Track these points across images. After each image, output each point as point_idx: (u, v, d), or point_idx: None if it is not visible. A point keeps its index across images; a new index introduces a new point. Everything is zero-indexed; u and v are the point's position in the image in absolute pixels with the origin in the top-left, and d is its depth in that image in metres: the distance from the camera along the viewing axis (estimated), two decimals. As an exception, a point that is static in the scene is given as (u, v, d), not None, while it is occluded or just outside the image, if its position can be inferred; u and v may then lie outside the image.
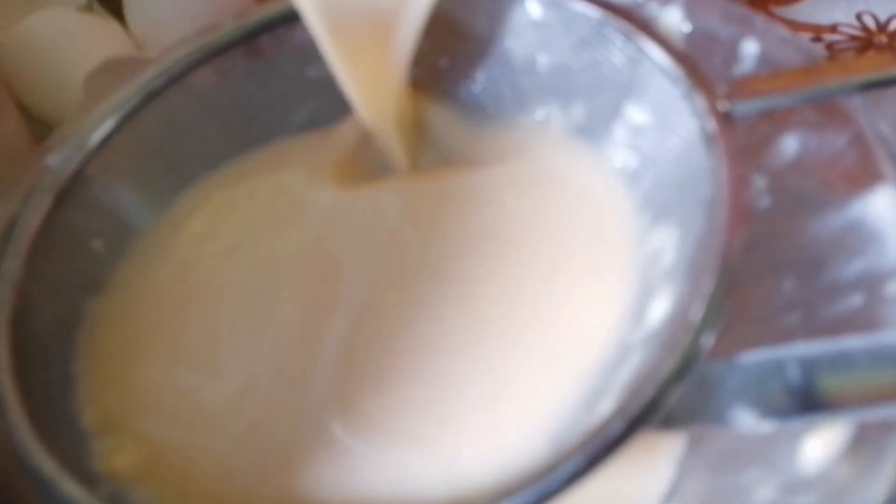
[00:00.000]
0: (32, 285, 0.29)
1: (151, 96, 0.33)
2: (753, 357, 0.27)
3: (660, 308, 0.28)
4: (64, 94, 0.42)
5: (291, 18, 0.34)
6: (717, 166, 0.27)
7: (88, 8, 0.49)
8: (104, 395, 0.29)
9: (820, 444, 0.29)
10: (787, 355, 0.26)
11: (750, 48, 0.35)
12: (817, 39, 0.48)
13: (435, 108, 0.36)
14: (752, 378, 0.27)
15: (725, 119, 0.29)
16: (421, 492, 0.27)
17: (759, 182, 0.35)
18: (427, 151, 0.36)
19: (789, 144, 0.34)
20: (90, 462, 0.27)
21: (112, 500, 0.25)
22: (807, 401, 0.26)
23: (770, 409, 0.26)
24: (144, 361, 0.31)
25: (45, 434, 0.26)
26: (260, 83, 0.35)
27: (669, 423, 0.27)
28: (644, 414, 0.23)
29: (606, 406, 0.25)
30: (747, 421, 0.26)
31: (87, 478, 0.26)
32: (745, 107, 0.29)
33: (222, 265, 0.33)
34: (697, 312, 0.25)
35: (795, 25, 0.48)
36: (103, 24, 0.47)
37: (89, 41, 0.45)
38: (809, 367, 0.26)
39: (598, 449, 0.23)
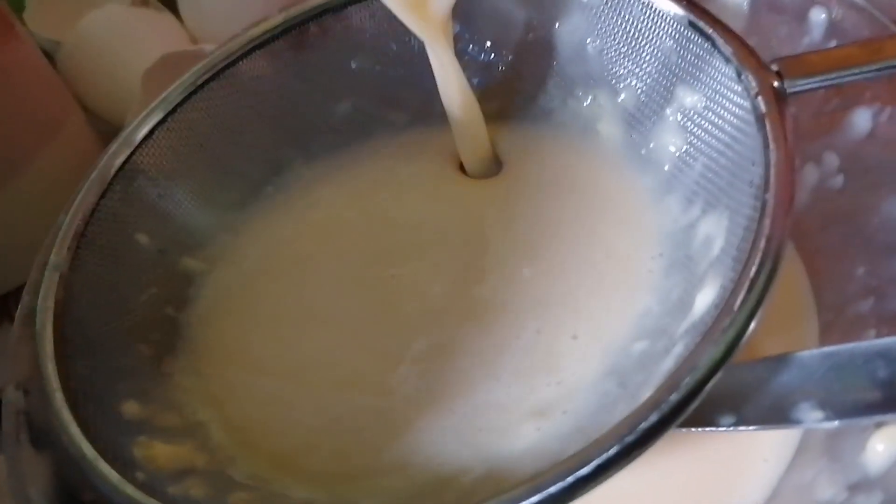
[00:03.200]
0: (77, 275, 0.29)
1: (197, 90, 0.33)
2: (827, 351, 0.26)
3: (705, 297, 0.26)
4: (123, 90, 0.43)
5: (338, 8, 0.34)
6: (767, 147, 0.26)
7: (144, 2, 0.49)
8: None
9: (887, 443, 0.27)
10: (869, 349, 0.25)
11: (818, 17, 0.33)
12: None
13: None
14: (825, 373, 0.26)
15: (778, 98, 0.27)
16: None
17: (831, 160, 0.33)
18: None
19: (862, 119, 0.33)
20: (130, 448, 0.27)
21: (149, 487, 0.25)
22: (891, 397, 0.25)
23: (842, 407, 0.25)
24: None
25: (87, 421, 0.26)
26: (304, 75, 0.35)
27: (730, 421, 0.27)
28: (681, 404, 0.22)
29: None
30: (816, 419, 0.25)
31: (127, 463, 0.26)
32: (799, 85, 0.28)
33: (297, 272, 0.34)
34: (742, 299, 0.23)
35: None
36: (159, 19, 0.48)
37: (145, 36, 0.45)
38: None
39: (633, 440, 0.22)
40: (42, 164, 0.39)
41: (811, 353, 0.26)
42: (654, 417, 0.22)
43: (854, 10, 0.32)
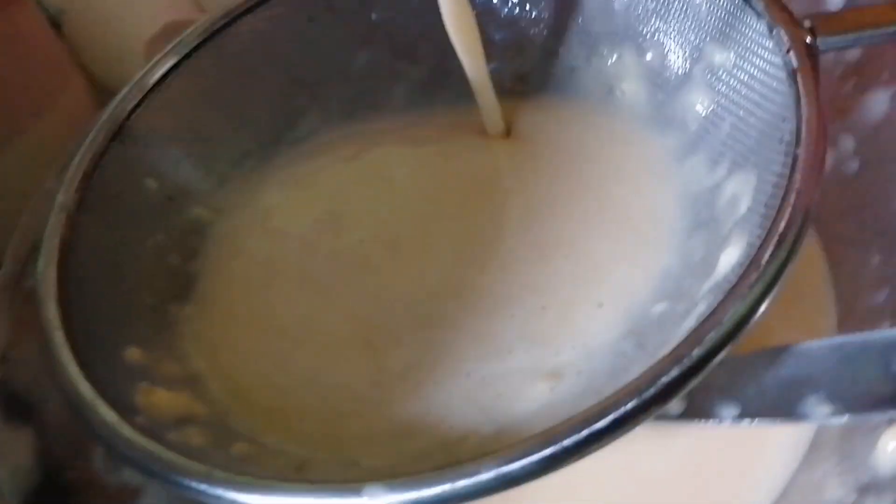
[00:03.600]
0: (84, 217, 0.29)
1: (212, 36, 0.33)
2: (837, 342, 0.25)
3: (730, 256, 0.25)
4: (127, 58, 0.42)
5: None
6: (799, 102, 0.25)
7: None
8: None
9: None
10: (882, 340, 0.24)
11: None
12: None
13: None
14: (835, 365, 0.25)
15: (810, 54, 0.26)
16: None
17: (847, 143, 0.32)
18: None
19: (879, 101, 0.32)
20: (131, 393, 0.26)
21: (148, 432, 0.25)
22: None
23: (853, 401, 0.24)
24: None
25: (85, 360, 0.25)
26: (323, 25, 0.34)
27: (734, 413, 0.26)
28: (703, 359, 0.21)
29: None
30: (824, 413, 0.24)
31: (126, 408, 0.25)
32: (831, 42, 0.27)
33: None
34: (771, 253, 0.22)
35: None
36: None
37: (151, 4, 0.45)
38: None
39: (653, 394, 0.21)
40: (41, 130, 0.38)
41: (820, 343, 0.25)
42: (674, 372, 0.21)
43: None
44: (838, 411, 0.24)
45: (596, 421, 0.21)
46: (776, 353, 0.25)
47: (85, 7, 0.44)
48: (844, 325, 0.30)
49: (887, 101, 0.31)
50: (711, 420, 0.26)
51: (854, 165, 0.31)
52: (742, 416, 0.26)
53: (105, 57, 0.44)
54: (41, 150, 0.38)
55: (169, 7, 0.44)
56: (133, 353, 0.28)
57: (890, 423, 0.26)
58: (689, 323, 0.25)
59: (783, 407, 0.25)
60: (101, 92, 0.44)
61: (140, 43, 0.41)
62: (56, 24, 0.45)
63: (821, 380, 0.24)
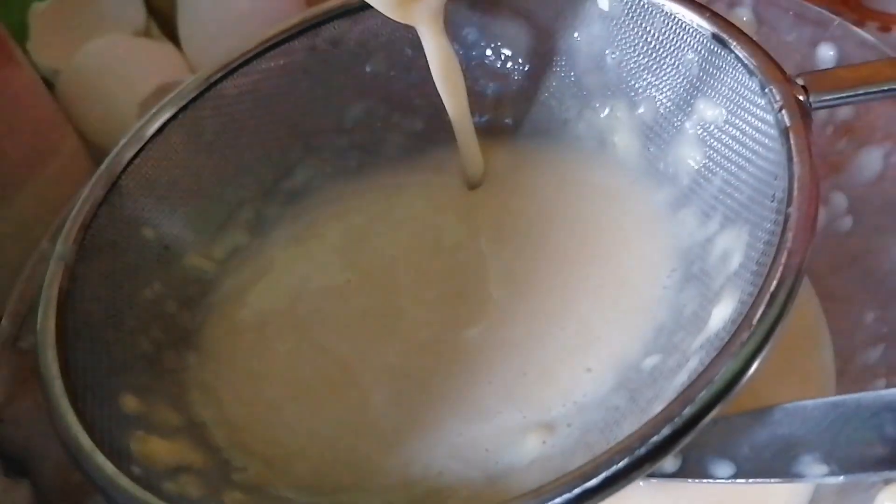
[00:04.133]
0: (82, 267, 0.29)
1: (210, 88, 0.33)
2: (832, 401, 0.25)
3: (721, 311, 0.26)
4: (120, 119, 0.42)
5: (354, 11, 0.33)
6: (791, 161, 0.25)
7: (146, 31, 0.49)
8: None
9: (894, 500, 0.26)
10: (876, 401, 0.24)
11: (827, 54, 0.33)
12: None
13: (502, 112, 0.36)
14: (830, 424, 0.25)
15: (802, 112, 0.26)
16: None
17: (839, 200, 0.32)
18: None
19: (872, 160, 0.32)
20: (126, 442, 0.26)
21: (145, 482, 0.25)
22: None
23: (848, 461, 0.24)
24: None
25: (83, 410, 0.26)
26: (318, 77, 0.34)
27: (729, 473, 0.26)
28: (695, 418, 0.21)
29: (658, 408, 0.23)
30: (819, 473, 0.24)
31: (123, 457, 0.25)
32: (824, 100, 0.27)
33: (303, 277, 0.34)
34: (762, 312, 0.22)
35: (889, 18, 0.43)
36: (159, 48, 0.47)
37: (144, 66, 0.45)
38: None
39: (644, 453, 0.21)
40: (34, 189, 0.39)
41: (815, 403, 0.25)
42: (666, 430, 0.21)
43: (864, 47, 0.32)
44: (833, 472, 0.24)
45: (588, 478, 0.21)
46: (770, 412, 0.25)
47: (79, 68, 0.45)
48: (839, 382, 0.31)
49: (880, 159, 0.31)
50: (707, 479, 0.26)
51: (847, 222, 0.31)
52: (737, 475, 0.26)
53: (98, 118, 0.44)
54: (36, 210, 0.38)
55: (162, 69, 0.45)
56: (129, 402, 0.28)
57: (886, 482, 0.26)
58: (681, 378, 0.25)
59: (778, 467, 0.25)
60: (95, 152, 0.44)
61: (133, 104, 0.42)
62: (50, 84, 0.46)
63: (815, 440, 0.24)
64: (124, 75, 0.44)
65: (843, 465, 0.24)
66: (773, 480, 0.26)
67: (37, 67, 0.45)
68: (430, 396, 0.29)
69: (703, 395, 0.21)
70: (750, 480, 0.26)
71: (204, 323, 0.32)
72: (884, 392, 0.25)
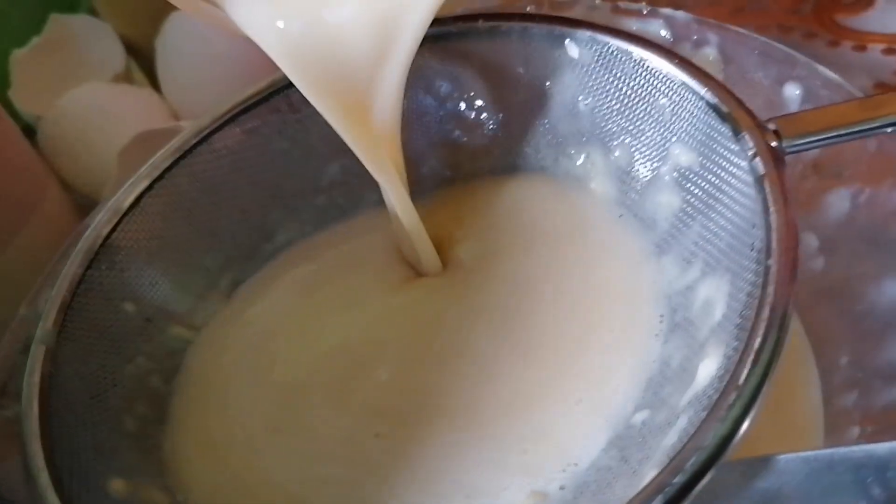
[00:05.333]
0: (63, 349, 0.29)
1: (181, 158, 0.33)
2: (805, 456, 0.24)
3: (708, 367, 0.26)
4: (101, 166, 0.43)
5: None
6: (767, 211, 0.25)
7: (126, 75, 0.49)
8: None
9: None
10: (850, 456, 0.24)
11: (793, 93, 0.33)
12: (890, 51, 0.42)
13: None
14: (804, 479, 0.24)
15: (776, 158, 0.27)
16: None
17: (810, 240, 0.32)
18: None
19: (840, 200, 0.32)
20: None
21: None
22: None
23: None
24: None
25: (71, 499, 0.25)
26: (293, 139, 0.34)
27: None
28: (686, 486, 0.21)
29: (650, 474, 0.23)
30: None
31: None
32: (797, 145, 0.27)
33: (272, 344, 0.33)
34: (746, 374, 0.22)
35: (865, 36, 0.43)
36: (139, 94, 0.47)
37: (124, 113, 0.45)
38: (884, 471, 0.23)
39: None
40: (20, 242, 0.38)
41: (788, 457, 0.25)
42: (658, 502, 0.21)
43: (829, 86, 0.32)
44: None
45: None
46: (748, 464, 0.25)
47: (59, 117, 0.45)
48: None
49: (848, 199, 0.31)
50: None
51: (819, 263, 0.31)
52: None
53: (80, 166, 0.44)
54: (22, 260, 0.38)
55: (142, 115, 0.45)
56: (117, 485, 0.28)
57: None
58: (671, 439, 0.25)
59: None
60: (80, 198, 0.45)
61: (114, 151, 0.42)
62: (31, 129, 0.46)
63: (792, 494, 0.24)
64: (104, 123, 0.45)
65: None
66: None
67: (19, 114, 0.46)
68: (412, 461, 0.28)
69: (694, 462, 0.21)
70: None
71: (180, 393, 0.32)
72: (857, 447, 0.24)
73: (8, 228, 0.38)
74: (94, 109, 0.45)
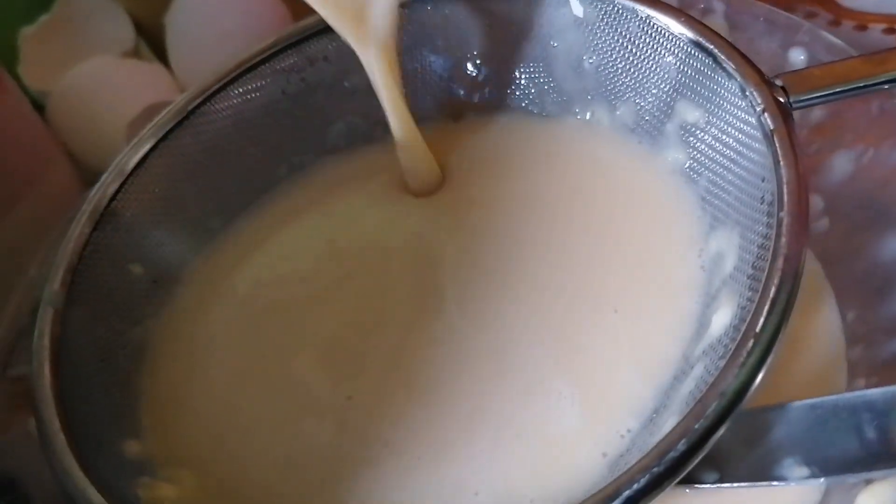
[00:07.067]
0: (72, 311, 0.28)
1: (185, 118, 0.32)
2: (811, 403, 0.25)
3: (721, 317, 0.26)
4: (110, 140, 0.42)
5: (329, 29, 0.33)
6: (778, 164, 0.26)
7: (135, 51, 0.49)
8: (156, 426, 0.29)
9: (874, 501, 0.26)
10: (857, 402, 0.25)
11: (798, 58, 0.33)
12: (891, 31, 0.43)
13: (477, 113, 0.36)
14: (810, 426, 0.25)
15: (784, 113, 0.27)
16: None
17: (815, 202, 0.33)
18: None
19: (844, 161, 0.32)
20: (133, 490, 0.26)
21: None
22: (881, 453, 0.24)
23: (828, 463, 0.24)
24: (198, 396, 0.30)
25: (88, 462, 0.25)
26: (298, 96, 0.34)
27: (714, 478, 0.26)
28: (703, 437, 0.22)
29: (671, 422, 0.24)
30: (801, 476, 0.24)
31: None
32: (804, 100, 0.27)
33: (277, 296, 0.33)
34: (763, 323, 0.23)
35: (865, 17, 0.43)
36: (148, 69, 0.47)
37: (133, 87, 0.45)
38: (885, 415, 0.23)
39: (658, 473, 0.21)
40: (25, 211, 0.38)
41: (795, 405, 0.25)
42: (682, 446, 0.22)
43: (834, 51, 0.33)
44: (814, 474, 0.24)
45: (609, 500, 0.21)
46: (751, 414, 0.26)
47: (68, 91, 0.45)
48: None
49: (852, 161, 0.31)
50: (692, 485, 0.26)
51: (824, 224, 0.32)
52: (721, 480, 0.26)
53: (88, 139, 0.44)
54: (25, 232, 0.38)
55: (151, 90, 0.45)
56: (132, 447, 0.28)
57: (866, 483, 0.26)
58: (688, 386, 0.25)
59: (762, 470, 0.25)
60: (85, 172, 0.44)
61: (122, 125, 0.42)
62: (39, 105, 0.46)
63: (796, 442, 0.25)
64: (113, 97, 0.45)
65: (823, 467, 0.24)
66: (756, 484, 0.26)
67: (28, 90, 0.45)
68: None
69: (715, 408, 0.22)
70: (734, 485, 0.26)
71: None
72: (860, 392, 0.25)
73: (12, 196, 0.38)
74: (103, 84, 0.45)
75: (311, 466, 0.28)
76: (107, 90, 0.45)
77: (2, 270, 0.35)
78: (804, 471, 0.25)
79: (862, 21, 0.43)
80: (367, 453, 0.27)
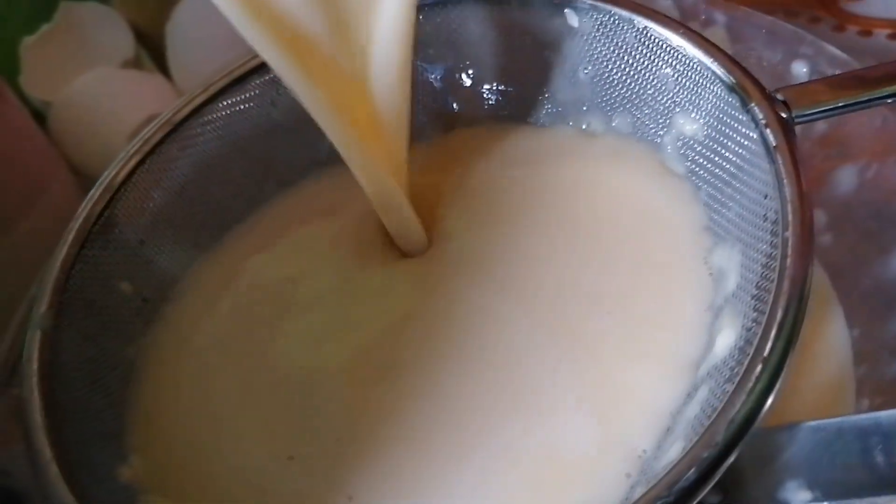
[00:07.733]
0: (62, 333, 0.28)
1: (172, 131, 0.32)
2: (814, 425, 0.25)
3: (725, 338, 0.26)
4: (111, 150, 0.41)
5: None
6: (781, 182, 0.25)
7: (136, 61, 0.49)
8: (145, 449, 0.28)
9: None
10: (863, 424, 0.24)
11: (800, 71, 0.33)
12: (895, 36, 0.42)
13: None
14: (812, 449, 0.24)
15: (786, 129, 0.27)
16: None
17: (818, 217, 0.33)
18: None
19: (848, 176, 0.32)
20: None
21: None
22: (887, 477, 0.23)
23: (831, 486, 0.24)
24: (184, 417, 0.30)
25: (82, 491, 0.24)
26: (286, 110, 0.33)
27: (717, 500, 0.26)
28: (712, 466, 0.21)
29: (676, 447, 0.23)
30: (803, 500, 0.24)
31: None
32: (805, 115, 0.27)
33: (264, 325, 0.32)
34: (770, 347, 0.22)
35: (870, 22, 0.43)
36: (148, 80, 0.47)
37: (134, 98, 0.45)
38: (892, 438, 0.23)
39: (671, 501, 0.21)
40: (28, 225, 0.38)
41: (800, 427, 0.25)
42: (692, 475, 0.21)
43: (836, 64, 0.32)
44: (818, 498, 0.24)
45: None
46: (759, 435, 0.25)
47: (68, 102, 0.45)
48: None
49: (855, 175, 0.31)
50: None
51: (827, 239, 0.32)
52: (723, 502, 0.26)
53: (89, 150, 0.44)
54: (30, 244, 0.38)
55: (152, 99, 0.45)
56: (124, 472, 0.27)
57: None
58: (694, 409, 0.25)
59: (765, 493, 0.25)
60: (86, 183, 0.43)
61: (123, 135, 0.42)
62: (40, 115, 0.46)
63: (799, 465, 0.24)
64: (114, 107, 0.45)
65: (827, 490, 0.24)
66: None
67: (29, 100, 0.46)
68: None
69: (725, 436, 0.22)
70: None
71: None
72: (864, 415, 0.25)
73: (16, 210, 0.38)
74: (104, 94, 0.45)
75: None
76: (108, 100, 0.45)
77: (6, 286, 0.34)
78: (808, 494, 0.24)
79: (866, 26, 0.43)
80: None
